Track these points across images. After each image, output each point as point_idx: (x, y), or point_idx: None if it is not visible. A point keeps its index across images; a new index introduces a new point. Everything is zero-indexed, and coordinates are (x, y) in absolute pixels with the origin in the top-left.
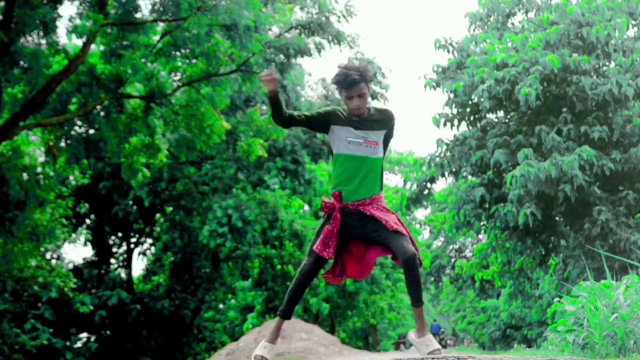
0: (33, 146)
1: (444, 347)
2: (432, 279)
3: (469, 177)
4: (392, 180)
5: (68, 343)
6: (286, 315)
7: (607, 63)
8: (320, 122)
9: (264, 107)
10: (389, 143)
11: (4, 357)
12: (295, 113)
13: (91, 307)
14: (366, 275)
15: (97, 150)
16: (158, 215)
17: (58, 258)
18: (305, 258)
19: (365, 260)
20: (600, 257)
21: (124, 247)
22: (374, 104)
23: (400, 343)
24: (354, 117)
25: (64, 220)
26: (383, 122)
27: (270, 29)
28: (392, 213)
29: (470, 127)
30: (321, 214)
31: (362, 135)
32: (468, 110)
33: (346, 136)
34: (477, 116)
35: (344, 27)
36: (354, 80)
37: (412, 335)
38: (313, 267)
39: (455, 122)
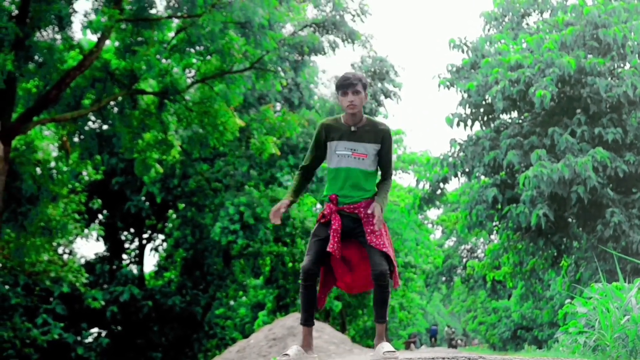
0: (46, 141)
1: (454, 347)
2: (444, 278)
3: (482, 177)
4: (405, 179)
5: (79, 338)
6: (306, 322)
7: (622, 65)
8: (321, 151)
9: (277, 105)
10: (387, 159)
11: (15, 351)
12: (307, 165)
13: (103, 303)
14: (360, 288)
15: (110, 146)
16: (170, 211)
17: (70, 253)
18: (303, 262)
19: (357, 271)
20: (613, 259)
21: (136, 243)
22: (387, 103)
23: (411, 342)
24: (349, 122)
25: (76, 215)
26: (376, 135)
27: (284, 27)
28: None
29: (484, 128)
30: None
31: (350, 147)
32: (482, 110)
33: (335, 149)
34: (490, 116)
35: (358, 25)
36: (350, 79)
37: (370, 354)
38: (312, 264)
39: (469, 122)
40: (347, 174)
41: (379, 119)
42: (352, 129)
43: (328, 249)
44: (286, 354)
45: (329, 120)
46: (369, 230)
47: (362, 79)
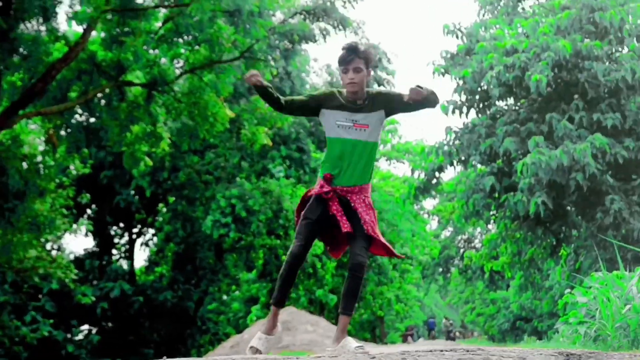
0: (33, 135)
1: (453, 339)
2: (441, 269)
3: (478, 165)
4: (400, 169)
5: (69, 335)
6: (279, 303)
7: (619, 49)
8: (311, 107)
9: None
10: (398, 100)
11: (4, 350)
12: (290, 99)
13: (93, 299)
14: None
15: (98, 139)
16: (160, 205)
17: (59, 249)
18: (293, 241)
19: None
20: (613, 248)
21: (126, 238)
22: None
23: (408, 335)
24: (350, 98)
25: (64, 211)
26: (374, 103)
27: (274, 15)
28: (372, 210)
29: (480, 115)
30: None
31: (352, 118)
32: (477, 97)
33: (335, 119)
34: (486, 103)
35: (349, 12)
36: (349, 53)
37: (328, 348)
38: (303, 249)
39: (464, 109)
40: (346, 146)
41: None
42: (358, 102)
43: (344, 230)
44: (253, 347)
45: (335, 91)
46: (366, 219)
47: (365, 54)
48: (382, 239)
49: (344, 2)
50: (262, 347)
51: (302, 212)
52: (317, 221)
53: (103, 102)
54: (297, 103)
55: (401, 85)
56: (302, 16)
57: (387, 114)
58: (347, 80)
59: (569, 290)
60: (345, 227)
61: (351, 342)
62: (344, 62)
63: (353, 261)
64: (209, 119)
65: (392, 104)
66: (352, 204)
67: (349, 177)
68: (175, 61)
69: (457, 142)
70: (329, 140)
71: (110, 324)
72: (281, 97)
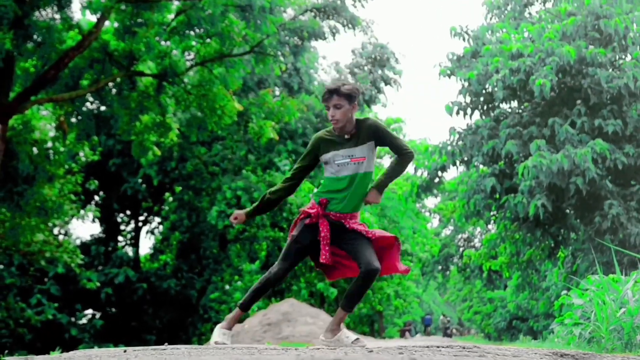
0: (44, 121)
1: (449, 336)
2: (440, 267)
3: (480, 166)
4: None
5: (73, 319)
6: (246, 308)
7: (623, 56)
8: (311, 163)
9: (277, 90)
10: (393, 142)
11: (8, 331)
12: (290, 178)
13: (97, 284)
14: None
15: (108, 127)
16: (167, 194)
17: (66, 234)
18: (279, 261)
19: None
20: (610, 251)
21: (132, 225)
22: (386, 90)
23: (406, 330)
24: (339, 133)
25: (72, 196)
26: (366, 134)
27: (285, 11)
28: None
29: (483, 117)
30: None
31: (348, 154)
32: (482, 99)
33: (334, 159)
34: (490, 106)
35: (359, 11)
36: (327, 93)
37: (322, 337)
38: (284, 273)
39: (469, 111)
40: (349, 181)
41: (362, 117)
42: (346, 137)
43: (321, 261)
44: (219, 342)
45: (323, 134)
46: (367, 230)
47: (343, 91)
48: (386, 234)
49: (354, 1)
50: (227, 341)
51: (294, 234)
52: (308, 246)
53: (114, 91)
54: (300, 174)
55: (407, 85)
56: (313, 14)
57: (377, 145)
58: (329, 116)
59: (565, 291)
60: (324, 258)
61: (348, 336)
62: (324, 101)
63: (368, 267)
64: (217, 111)
65: (383, 142)
66: (347, 226)
67: (344, 206)
68: (186, 53)
69: (460, 142)
70: (329, 177)
71: (113, 310)
72: (279, 188)
